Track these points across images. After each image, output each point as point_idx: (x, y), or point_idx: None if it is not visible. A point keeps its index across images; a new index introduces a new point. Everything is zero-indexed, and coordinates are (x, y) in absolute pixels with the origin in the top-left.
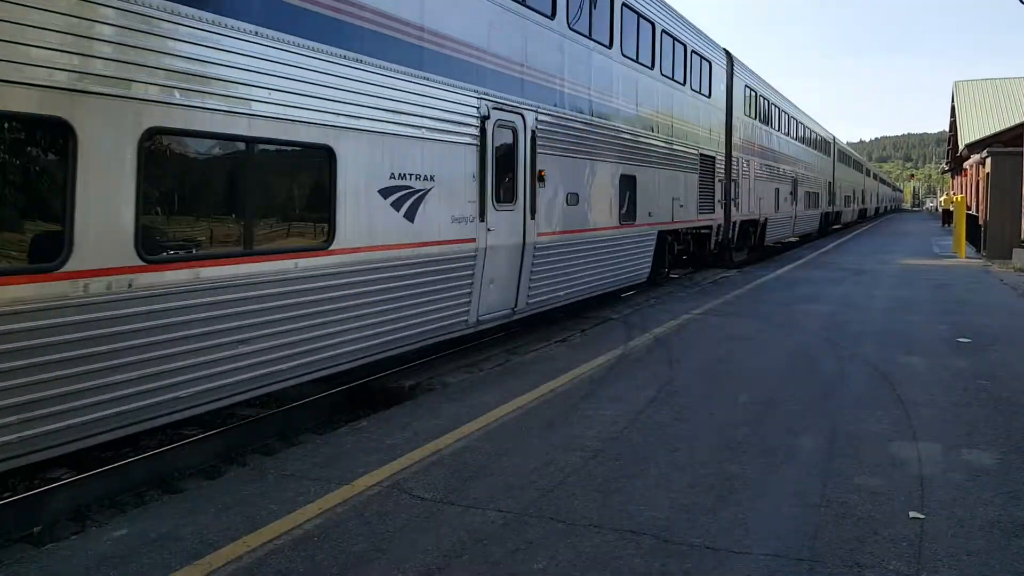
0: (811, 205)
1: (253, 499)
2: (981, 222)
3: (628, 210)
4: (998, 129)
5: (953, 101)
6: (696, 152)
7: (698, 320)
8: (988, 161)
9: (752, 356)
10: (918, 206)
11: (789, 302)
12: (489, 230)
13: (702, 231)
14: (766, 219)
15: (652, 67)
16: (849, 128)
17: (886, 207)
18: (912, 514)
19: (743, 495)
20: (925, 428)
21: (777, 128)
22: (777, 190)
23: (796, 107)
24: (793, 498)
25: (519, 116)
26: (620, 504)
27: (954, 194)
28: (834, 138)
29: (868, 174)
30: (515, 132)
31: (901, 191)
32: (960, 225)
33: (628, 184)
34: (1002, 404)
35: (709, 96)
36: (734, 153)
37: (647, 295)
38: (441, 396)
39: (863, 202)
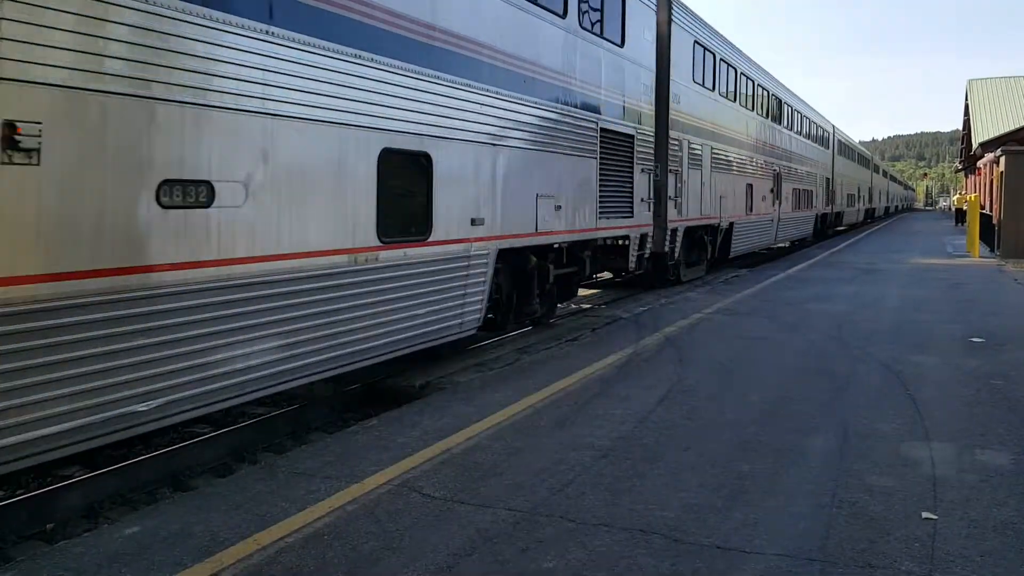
0: (802, 205)
1: (264, 497)
2: (995, 221)
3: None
4: (1013, 128)
5: (967, 99)
6: (593, 126)
7: (709, 319)
8: (1002, 160)
9: (763, 355)
10: (931, 205)
11: (800, 301)
12: None
13: (612, 243)
14: (731, 224)
15: None
16: (861, 127)
17: (897, 206)
18: (925, 515)
19: (754, 495)
20: (938, 428)
21: (750, 108)
22: (749, 186)
23: (782, 86)
24: (804, 498)
25: None
26: (630, 503)
27: (967, 193)
28: (834, 128)
29: (876, 170)
30: None
31: (913, 189)
32: (973, 224)
33: (404, 169)
34: (1016, 404)
35: (621, 45)
36: (673, 133)
37: (657, 295)
38: (451, 395)
39: (870, 201)
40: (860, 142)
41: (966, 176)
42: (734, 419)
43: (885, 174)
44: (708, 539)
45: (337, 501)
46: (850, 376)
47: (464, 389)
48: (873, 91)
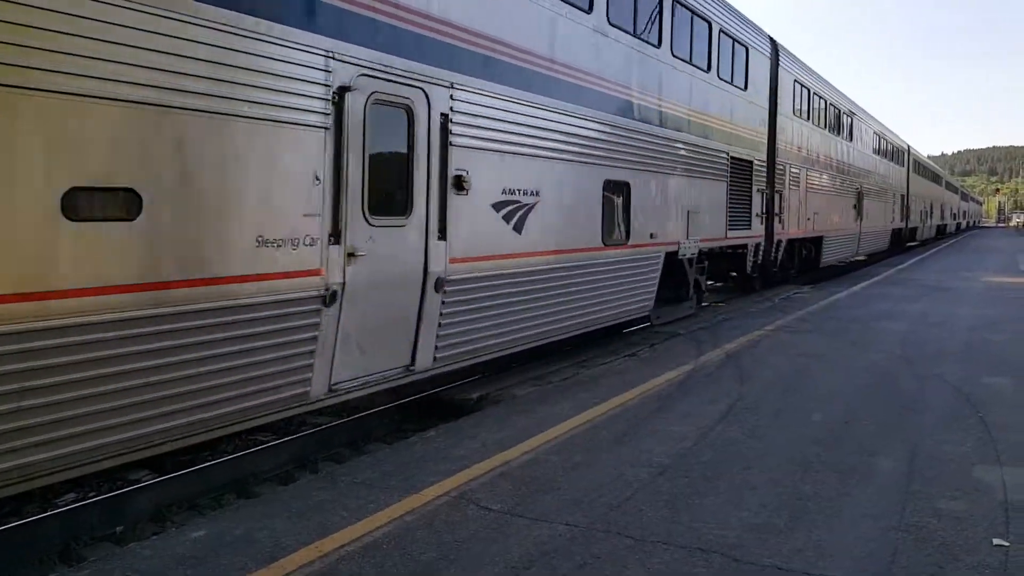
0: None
1: (325, 505)
2: None
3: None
4: None
5: None
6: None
7: (769, 336)
8: None
9: (826, 374)
10: (1004, 222)
11: (865, 319)
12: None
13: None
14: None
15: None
16: (930, 140)
17: (969, 223)
18: (996, 541)
19: (817, 516)
20: (1011, 452)
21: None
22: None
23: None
24: (870, 520)
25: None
26: (689, 521)
27: None
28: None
29: (948, 187)
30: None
31: (981, 203)
32: None
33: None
34: None
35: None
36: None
37: (715, 311)
38: (509, 408)
39: (942, 217)
40: (929, 156)
41: None
42: (797, 438)
43: (956, 190)
44: (769, 559)
45: (396, 511)
46: (918, 397)
47: (522, 402)
48: (944, 103)
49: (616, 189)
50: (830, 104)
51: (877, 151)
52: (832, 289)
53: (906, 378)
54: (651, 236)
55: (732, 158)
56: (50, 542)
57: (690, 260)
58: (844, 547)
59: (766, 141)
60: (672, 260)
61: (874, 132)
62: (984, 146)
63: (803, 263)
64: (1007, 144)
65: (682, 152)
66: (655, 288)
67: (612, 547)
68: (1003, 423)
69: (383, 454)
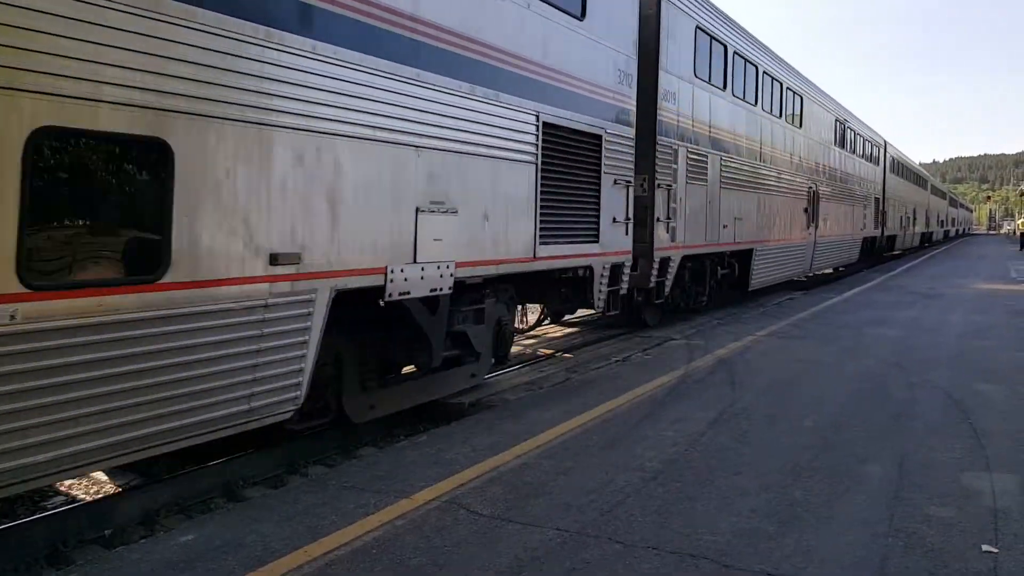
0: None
1: (314, 509)
2: None
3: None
4: None
5: None
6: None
7: (762, 342)
8: None
9: (817, 380)
10: (994, 229)
11: (856, 325)
12: None
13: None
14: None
15: None
16: (922, 148)
17: (958, 230)
18: (985, 547)
19: (807, 522)
20: (1000, 459)
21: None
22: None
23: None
24: (860, 526)
25: None
26: (679, 527)
27: None
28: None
29: (935, 191)
30: None
31: (971, 210)
32: None
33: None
34: None
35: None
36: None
37: (710, 316)
38: (501, 413)
39: (927, 224)
40: (920, 164)
41: None
42: (788, 444)
43: (943, 195)
44: (759, 565)
45: (386, 516)
46: (908, 403)
47: (514, 407)
48: (935, 111)
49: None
50: (765, 74)
51: (841, 143)
52: (824, 295)
53: (897, 384)
54: (272, 259)
55: (549, 126)
56: (38, 545)
57: (430, 301)
58: (834, 553)
59: (634, 108)
60: (381, 306)
61: (835, 120)
62: (975, 154)
63: (722, 286)
64: (998, 152)
65: (384, 99)
66: (295, 377)
67: (602, 553)
68: (993, 430)
69: (374, 459)
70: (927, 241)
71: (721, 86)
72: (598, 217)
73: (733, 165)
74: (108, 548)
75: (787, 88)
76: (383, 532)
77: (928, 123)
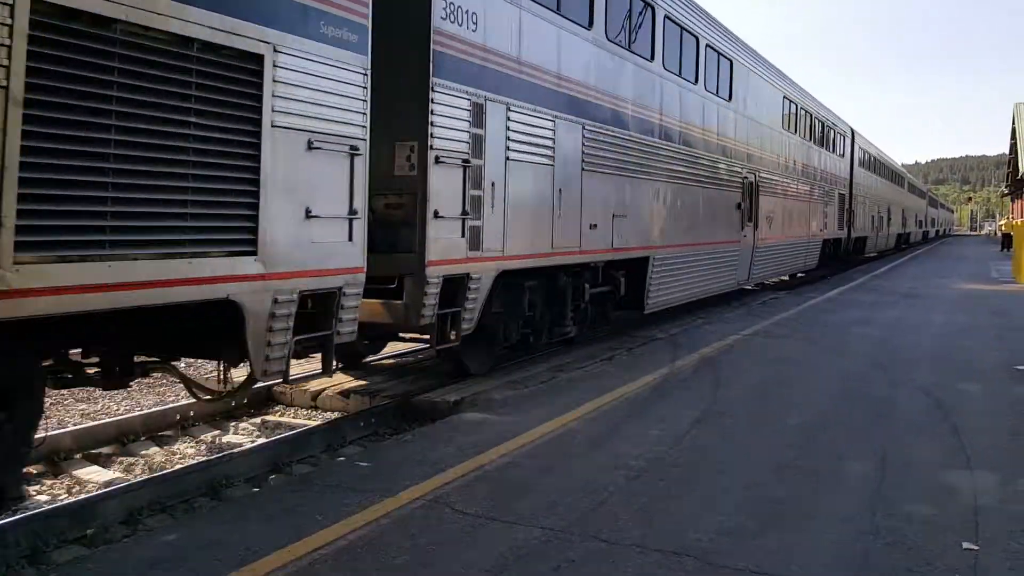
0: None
1: (299, 509)
2: None
3: None
4: None
5: (1014, 123)
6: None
7: (746, 341)
8: None
9: (801, 379)
10: (975, 230)
11: (840, 324)
12: None
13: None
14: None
15: None
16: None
17: (938, 231)
18: (966, 545)
19: (790, 519)
20: (980, 457)
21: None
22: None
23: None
24: (842, 524)
25: None
26: (663, 525)
27: (1014, 218)
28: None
29: (914, 190)
30: None
31: (952, 211)
32: (1020, 249)
33: None
34: None
35: None
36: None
37: (695, 315)
38: (486, 412)
39: (904, 225)
40: (903, 165)
41: (1012, 200)
42: (771, 442)
43: (923, 194)
44: (742, 563)
45: (370, 515)
46: (890, 402)
47: (499, 406)
48: (917, 113)
49: None
50: (669, 20)
51: (791, 127)
52: (809, 294)
53: (879, 383)
54: None
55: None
56: (18, 546)
57: None
58: (816, 550)
59: (367, 17)
60: None
61: (784, 97)
62: (957, 155)
63: (604, 309)
64: (979, 154)
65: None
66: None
67: (587, 551)
68: (973, 428)
69: (358, 458)
70: (904, 242)
71: (584, 22)
72: (256, 204)
73: (607, 139)
74: (90, 548)
75: (707, 46)
76: (368, 531)
77: (910, 125)
